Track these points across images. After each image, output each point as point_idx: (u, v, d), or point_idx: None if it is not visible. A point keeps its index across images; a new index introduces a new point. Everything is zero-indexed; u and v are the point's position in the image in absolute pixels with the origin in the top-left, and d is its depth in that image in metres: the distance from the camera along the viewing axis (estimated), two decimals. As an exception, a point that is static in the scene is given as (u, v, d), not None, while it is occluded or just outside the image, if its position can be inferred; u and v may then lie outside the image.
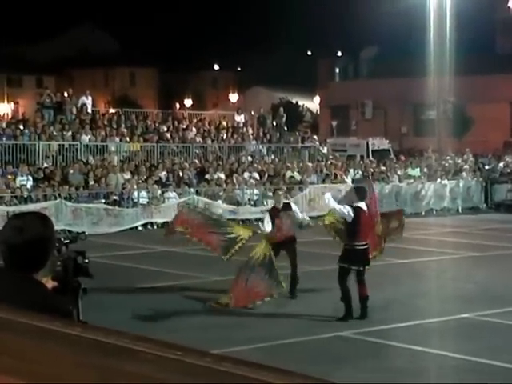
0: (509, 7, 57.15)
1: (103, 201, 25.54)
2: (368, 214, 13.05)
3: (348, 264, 12.85)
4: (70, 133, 29.21)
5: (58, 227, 18.37)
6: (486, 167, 35.52)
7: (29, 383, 1.78)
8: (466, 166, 34.81)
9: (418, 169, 33.58)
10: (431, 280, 17.08)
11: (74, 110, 31.64)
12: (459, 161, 35.83)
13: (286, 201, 16.15)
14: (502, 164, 35.48)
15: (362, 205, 12.96)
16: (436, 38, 39.82)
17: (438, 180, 32.66)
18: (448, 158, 36.24)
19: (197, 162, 30.29)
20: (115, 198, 25.85)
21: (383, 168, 32.87)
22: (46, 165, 26.95)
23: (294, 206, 15.60)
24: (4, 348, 1.88)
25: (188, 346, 2.28)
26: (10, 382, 1.74)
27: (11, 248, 3.43)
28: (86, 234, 5.92)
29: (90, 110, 32.51)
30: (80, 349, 2.09)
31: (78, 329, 2.21)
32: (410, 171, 33.16)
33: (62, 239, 4.61)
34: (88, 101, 32.95)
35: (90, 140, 29.32)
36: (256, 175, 29.68)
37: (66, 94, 34.02)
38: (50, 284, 3.70)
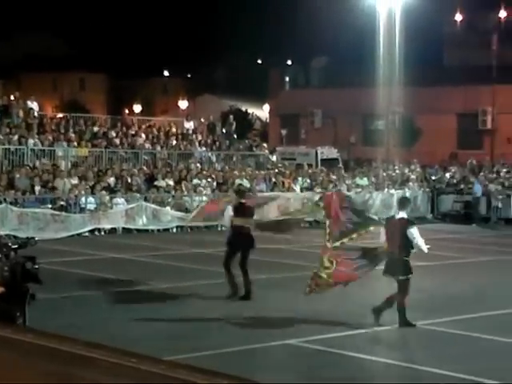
0: (455, 20, 57.95)
1: (50, 206, 25.25)
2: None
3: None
4: (16, 137, 28.84)
5: (2, 232, 18.12)
6: (433, 178, 35.96)
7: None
8: (413, 176, 35.21)
9: (366, 178, 33.85)
10: (379, 289, 17.19)
11: (21, 114, 31.25)
12: (406, 171, 36.22)
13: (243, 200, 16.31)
14: (448, 175, 35.96)
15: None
16: (385, 49, 40.18)
17: (386, 189, 32.97)
18: (396, 167, 36.62)
19: (145, 168, 30.14)
20: (62, 203, 25.58)
21: (332, 177, 33.07)
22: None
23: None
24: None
25: (142, 353, 2.27)
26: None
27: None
28: (36, 239, 5.84)
29: (36, 114, 32.13)
30: (34, 356, 2.06)
31: (29, 335, 2.18)
32: (358, 180, 33.42)
33: (11, 244, 4.54)
34: (33, 105, 32.58)
35: (36, 144, 28.98)
36: (205, 182, 29.63)
37: (12, 98, 33.59)
38: (-2, 289, 3.66)
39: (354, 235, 13.71)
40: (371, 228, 13.97)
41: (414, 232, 13.03)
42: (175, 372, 1.97)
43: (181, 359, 8.92)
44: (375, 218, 15.52)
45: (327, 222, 13.83)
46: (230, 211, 15.18)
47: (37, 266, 4.30)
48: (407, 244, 12.93)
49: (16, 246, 4.52)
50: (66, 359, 2.01)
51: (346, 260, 13.46)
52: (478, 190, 32.66)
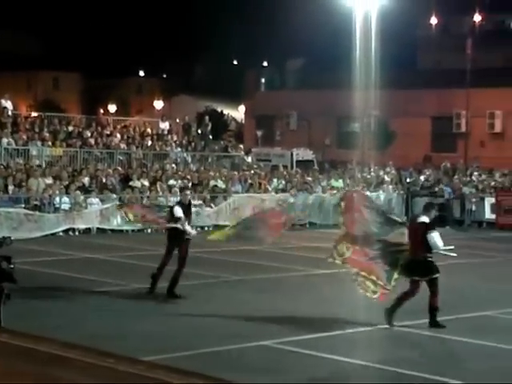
0: (430, 24, 58.30)
1: (23, 206, 25.09)
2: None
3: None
4: (-10, 136, 28.64)
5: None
6: (408, 180, 36.12)
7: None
8: (388, 179, 35.34)
9: (341, 180, 33.94)
10: (352, 290, 17.24)
11: (-5, 113, 31.02)
12: (381, 173, 36.36)
13: (192, 201, 16.53)
14: (422, 177, 36.13)
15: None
16: (361, 51, 40.32)
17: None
18: (371, 170, 36.74)
19: (120, 168, 30.03)
20: (36, 202, 25.43)
21: (308, 178, 33.12)
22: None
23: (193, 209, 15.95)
24: None
25: (119, 354, 2.26)
26: None
27: None
28: (12, 238, 5.78)
29: (10, 113, 31.90)
30: (8, 356, 2.05)
31: (4, 335, 2.16)
32: (333, 182, 33.50)
33: (-14, 244, 4.50)
34: (7, 104, 32.35)
35: (10, 143, 28.78)
36: (180, 182, 29.57)
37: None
38: (-27, 289, 3.61)
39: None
40: (396, 231, 14.07)
41: (435, 236, 13.21)
42: (153, 372, 1.96)
43: (157, 360, 8.88)
44: (398, 219, 15.48)
45: (342, 220, 13.84)
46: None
47: (12, 266, 4.27)
48: (427, 246, 13.13)
49: (-9, 246, 4.49)
50: (43, 359, 2.00)
51: (361, 249, 13.49)
52: (448, 193, 32.90)
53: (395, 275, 13.29)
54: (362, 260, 13.44)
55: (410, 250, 13.30)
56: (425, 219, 13.48)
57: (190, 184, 29.74)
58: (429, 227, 13.32)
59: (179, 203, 15.83)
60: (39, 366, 1.92)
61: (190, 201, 16.24)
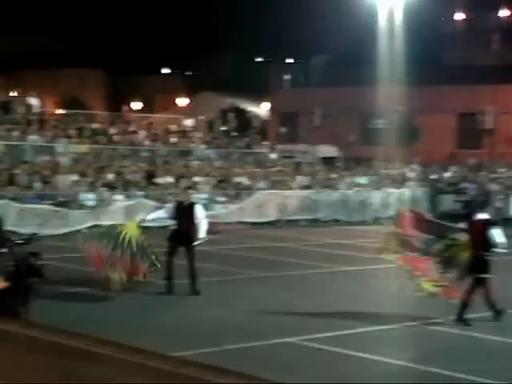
0: (456, 19, 57.93)
1: (49, 202, 25.22)
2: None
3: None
4: (16, 133, 28.82)
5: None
6: (432, 177, 35.93)
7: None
8: (413, 176, 35.18)
9: (366, 177, 33.83)
10: (378, 288, 17.20)
11: (22, 110, 31.22)
12: (406, 170, 36.19)
13: (193, 201, 16.37)
14: (447, 174, 35.92)
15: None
16: (386, 48, 40.21)
17: (385, 188, 32.95)
18: (395, 167, 36.57)
19: (145, 165, 30.10)
20: (62, 199, 25.56)
21: (331, 175, 33.03)
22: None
23: (197, 210, 15.64)
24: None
25: (149, 349, 2.24)
26: (-30, 384, 1.69)
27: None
28: (39, 235, 5.82)
29: (37, 111, 32.11)
30: (39, 351, 2.04)
31: (36, 330, 2.15)
32: (357, 179, 33.39)
33: (15, 240, 4.53)
34: (35, 101, 32.56)
35: (36, 141, 28.95)
36: (204, 179, 29.61)
37: (13, 94, 33.57)
38: (1, 284, 3.62)
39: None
40: (457, 240, 14.06)
41: (497, 232, 13.35)
42: (184, 368, 1.94)
43: (185, 356, 8.89)
44: (456, 225, 15.40)
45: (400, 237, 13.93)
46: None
47: (40, 262, 4.29)
48: (489, 243, 13.21)
49: (20, 242, 4.51)
50: (73, 354, 1.98)
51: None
52: (472, 190, 32.65)
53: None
54: (416, 260, 13.45)
55: (472, 248, 13.22)
56: (485, 215, 13.52)
57: (215, 181, 29.76)
58: (491, 223, 13.38)
59: (179, 204, 15.73)
60: (69, 361, 1.91)
61: (191, 202, 16.01)
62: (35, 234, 5.47)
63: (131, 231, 14.70)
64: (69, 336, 2.08)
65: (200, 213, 15.54)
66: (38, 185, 25.70)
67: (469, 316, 13.06)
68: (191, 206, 15.70)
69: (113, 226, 15.95)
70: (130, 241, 14.53)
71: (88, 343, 2.02)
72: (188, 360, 2.00)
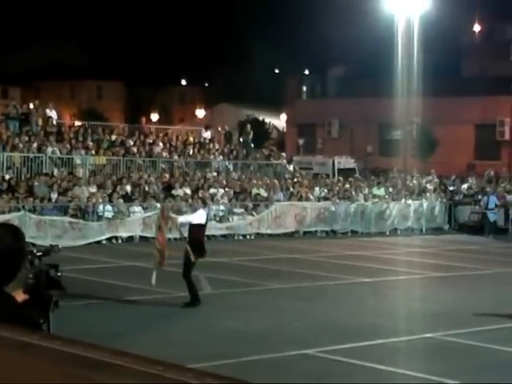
0: (474, 31, 57.88)
1: (68, 214, 25.34)
2: None
3: None
4: (35, 144, 28.99)
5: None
6: (450, 188, 35.83)
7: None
8: (431, 187, 35.09)
9: (383, 188, 33.78)
10: (395, 299, 17.17)
11: (40, 122, 31.40)
12: (424, 181, 36.11)
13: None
14: (465, 185, 35.81)
15: None
16: (403, 59, 40.15)
17: (403, 200, 32.88)
18: (413, 178, 36.49)
19: (163, 176, 30.18)
20: (77, 212, 25.64)
21: (348, 187, 33.00)
22: (8, 176, 26.63)
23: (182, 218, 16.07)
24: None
25: (167, 361, 2.27)
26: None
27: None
28: (60, 247, 5.88)
29: (54, 123, 32.28)
30: (60, 362, 2.08)
31: (56, 342, 2.19)
32: (375, 190, 33.35)
33: (35, 252, 4.57)
34: (52, 113, 32.73)
35: (54, 152, 29.11)
36: (222, 191, 29.65)
37: (31, 106, 33.75)
38: (21, 297, 3.67)
39: None
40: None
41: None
42: (201, 380, 1.98)
43: (202, 367, 8.92)
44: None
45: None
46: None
47: (60, 274, 4.34)
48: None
49: (40, 254, 4.56)
50: (93, 366, 2.02)
51: None
52: (490, 201, 32.33)
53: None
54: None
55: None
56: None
57: (232, 192, 29.81)
58: None
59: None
60: (89, 373, 1.95)
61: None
62: (56, 245, 5.52)
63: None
64: (89, 348, 2.12)
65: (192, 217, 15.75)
66: (56, 196, 25.83)
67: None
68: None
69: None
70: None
71: (108, 355, 2.06)
72: (206, 372, 2.04)
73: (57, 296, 4.29)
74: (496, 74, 48.74)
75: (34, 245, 19.80)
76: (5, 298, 3.45)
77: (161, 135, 35.89)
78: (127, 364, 2.00)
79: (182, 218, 16.77)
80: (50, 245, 5.48)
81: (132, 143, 32.26)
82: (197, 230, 15.46)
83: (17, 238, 3.52)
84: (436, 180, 36.67)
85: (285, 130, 65.75)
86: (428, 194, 34.11)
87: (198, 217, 15.58)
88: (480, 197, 33.61)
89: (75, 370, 1.99)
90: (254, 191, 30.51)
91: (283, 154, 38.12)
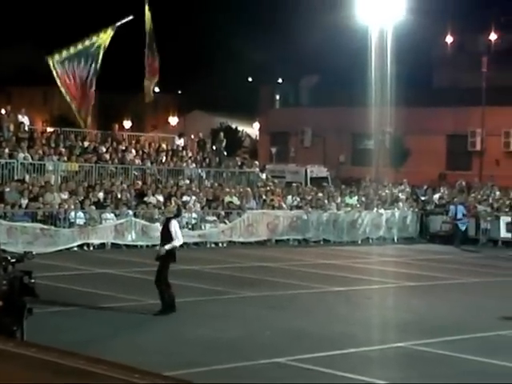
0: (446, 42, 58.34)
1: (39, 220, 25.15)
2: None
3: None
4: (6, 150, 28.75)
5: (-8, 246, 18.00)
6: (422, 198, 36.01)
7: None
8: (403, 196, 35.25)
9: (356, 197, 33.88)
10: (367, 308, 17.21)
11: (12, 128, 31.17)
12: (396, 191, 36.28)
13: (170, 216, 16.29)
14: (437, 196, 36.01)
15: None
16: (376, 69, 40.40)
17: (375, 209, 33.00)
18: (385, 187, 36.64)
19: (136, 183, 30.06)
20: (50, 217, 25.48)
21: (321, 195, 33.07)
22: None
23: (172, 226, 15.57)
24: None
25: (144, 369, 2.25)
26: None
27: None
28: (34, 253, 5.83)
29: (26, 128, 32.04)
30: (35, 369, 2.06)
31: (31, 349, 2.17)
32: (347, 199, 33.44)
33: (9, 258, 4.53)
34: (24, 119, 32.49)
35: (26, 158, 28.89)
36: (194, 198, 29.59)
37: (3, 111, 33.50)
38: (-5, 303, 3.63)
39: None
40: None
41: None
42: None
43: (177, 375, 8.88)
44: None
45: None
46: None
47: (33, 280, 4.30)
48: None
49: (14, 260, 4.51)
50: (70, 373, 2.00)
51: None
52: (458, 211, 32.40)
53: None
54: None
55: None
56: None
57: (205, 200, 29.77)
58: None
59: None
60: (65, 379, 1.93)
61: (167, 217, 16.24)
62: (30, 252, 5.46)
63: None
64: (63, 355, 2.09)
65: (174, 228, 15.56)
66: (27, 203, 25.63)
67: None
68: (167, 221, 15.86)
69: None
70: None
71: (83, 362, 2.04)
72: (180, 379, 2.03)
73: (30, 303, 4.24)
74: (468, 86, 49.16)
75: (4, 251, 19.62)
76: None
77: (133, 142, 35.75)
78: (104, 372, 1.98)
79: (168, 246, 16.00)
80: (24, 251, 5.43)
81: (104, 150, 32.10)
82: (170, 237, 15.43)
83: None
84: (408, 189, 36.84)
85: (258, 138, 65.83)
86: (400, 204, 34.27)
87: (179, 237, 15.57)
88: (449, 207, 33.75)
89: (52, 377, 1.97)
90: (227, 199, 30.48)
91: (256, 162, 38.12)
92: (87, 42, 15.02)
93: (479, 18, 51.69)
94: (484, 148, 48.23)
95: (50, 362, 2.00)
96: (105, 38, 14.80)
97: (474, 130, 48.63)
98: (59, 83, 15.08)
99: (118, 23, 14.95)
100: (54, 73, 15.15)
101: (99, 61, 14.82)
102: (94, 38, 14.77)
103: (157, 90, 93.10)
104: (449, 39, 57.60)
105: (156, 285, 15.03)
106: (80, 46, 15.35)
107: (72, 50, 15.42)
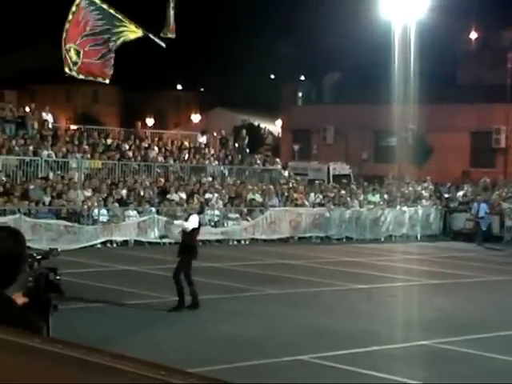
0: (470, 38, 58.01)
1: (63, 217, 25.30)
2: None
3: None
4: (31, 148, 28.94)
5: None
6: (445, 195, 35.83)
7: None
8: (426, 194, 35.10)
9: (378, 195, 33.78)
10: (390, 306, 17.16)
11: (36, 125, 31.35)
12: (419, 188, 36.12)
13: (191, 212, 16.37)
14: (460, 193, 35.82)
15: None
16: (399, 66, 40.23)
17: (398, 207, 32.89)
18: (408, 184, 36.49)
19: (159, 180, 30.15)
20: (73, 214, 25.62)
21: (343, 193, 32.98)
22: (3, 179, 26.57)
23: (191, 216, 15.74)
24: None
25: (170, 366, 2.26)
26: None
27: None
28: (59, 250, 5.87)
29: (50, 126, 32.21)
30: (61, 366, 2.06)
31: (58, 346, 2.18)
32: (370, 197, 33.35)
33: (35, 255, 4.56)
34: (48, 117, 32.67)
35: (50, 156, 29.05)
36: (217, 196, 29.63)
37: (27, 109, 33.70)
38: (21, 300, 3.65)
39: None
40: None
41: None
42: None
43: (199, 372, 8.88)
44: None
45: None
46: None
47: (59, 277, 4.33)
48: None
49: (40, 257, 4.55)
50: (97, 370, 2.01)
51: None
52: (480, 209, 32.16)
53: None
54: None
55: None
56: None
57: (227, 197, 29.80)
58: None
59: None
60: (91, 376, 1.94)
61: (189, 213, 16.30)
62: (55, 249, 5.49)
63: None
64: (90, 351, 2.10)
65: (192, 217, 15.66)
66: (48, 200, 25.77)
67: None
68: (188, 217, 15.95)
69: None
70: None
71: (109, 359, 2.05)
72: (206, 376, 2.04)
73: (55, 299, 4.28)
74: (492, 82, 48.84)
75: (29, 248, 19.75)
76: (5, 301, 3.45)
77: (156, 140, 35.84)
78: (130, 368, 1.98)
79: (177, 222, 16.76)
80: (50, 248, 5.47)
81: (127, 147, 32.21)
82: (190, 233, 15.49)
83: (17, 241, 3.52)
84: (431, 187, 36.67)
85: (280, 135, 65.77)
86: (423, 201, 34.12)
87: (192, 223, 15.60)
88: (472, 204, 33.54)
89: (77, 374, 1.98)
90: (249, 196, 30.49)
91: (278, 160, 38.10)
92: (118, 22, 14.73)
93: (503, 14, 51.35)
94: (509, 145, 47.91)
95: (77, 359, 2.01)
96: (132, 34, 14.64)
97: (499, 127, 48.30)
98: (68, 19, 14.64)
99: (150, 35, 14.66)
100: (74, 7, 14.64)
101: (118, 43, 14.56)
102: (124, 28, 14.56)
103: (179, 87, 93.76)
104: (473, 35, 57.29)
105: (174, 281, 15.06)
106: (113, 12, 14.99)
107: (105, 5, 15.02)
